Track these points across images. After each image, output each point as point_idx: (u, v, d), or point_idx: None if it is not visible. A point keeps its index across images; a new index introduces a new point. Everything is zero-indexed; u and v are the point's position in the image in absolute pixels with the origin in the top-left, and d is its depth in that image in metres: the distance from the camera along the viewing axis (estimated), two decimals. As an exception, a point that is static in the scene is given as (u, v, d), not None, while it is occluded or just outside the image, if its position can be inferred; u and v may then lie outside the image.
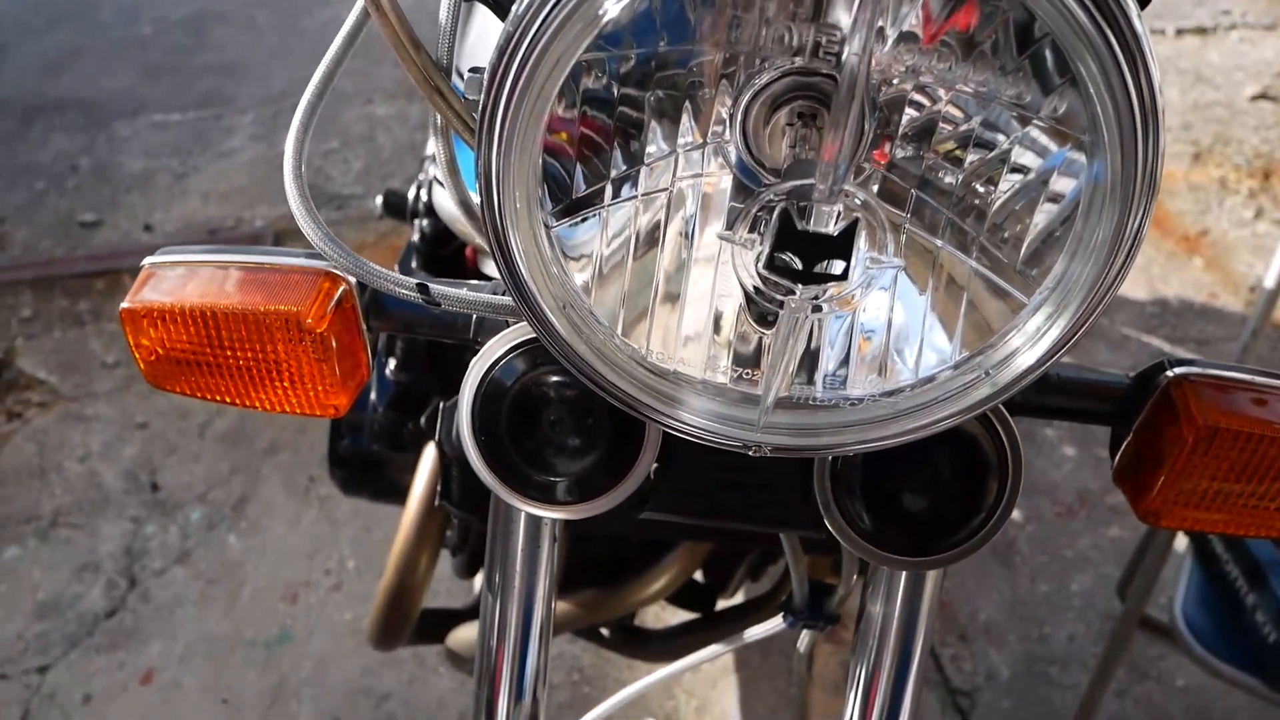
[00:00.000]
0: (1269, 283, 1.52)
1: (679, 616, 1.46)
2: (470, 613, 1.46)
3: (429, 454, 1.24)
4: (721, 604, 1.41)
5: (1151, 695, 1.97)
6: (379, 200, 1.83)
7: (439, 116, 0.58)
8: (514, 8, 0.43)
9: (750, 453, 0.51)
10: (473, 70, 0.49)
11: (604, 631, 1.47)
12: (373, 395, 1.37)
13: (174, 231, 3.22)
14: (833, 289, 0.46)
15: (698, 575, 1.43)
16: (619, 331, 0.50)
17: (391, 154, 3.57)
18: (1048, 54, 0.42)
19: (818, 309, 0.46)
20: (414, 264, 1.32)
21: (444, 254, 1.30)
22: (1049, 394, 0.70)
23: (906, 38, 0.43)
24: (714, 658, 0.95)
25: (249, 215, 3.28)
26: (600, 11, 0.41)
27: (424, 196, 1.33)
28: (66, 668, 2.03)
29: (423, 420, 1.22)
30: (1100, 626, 2.06)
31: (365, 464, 1.42)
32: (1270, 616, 1.24)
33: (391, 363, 1.27)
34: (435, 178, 1.13)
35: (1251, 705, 1.94)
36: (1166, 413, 0.66)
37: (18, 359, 2.75)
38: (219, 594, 2.17)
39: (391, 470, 1.42)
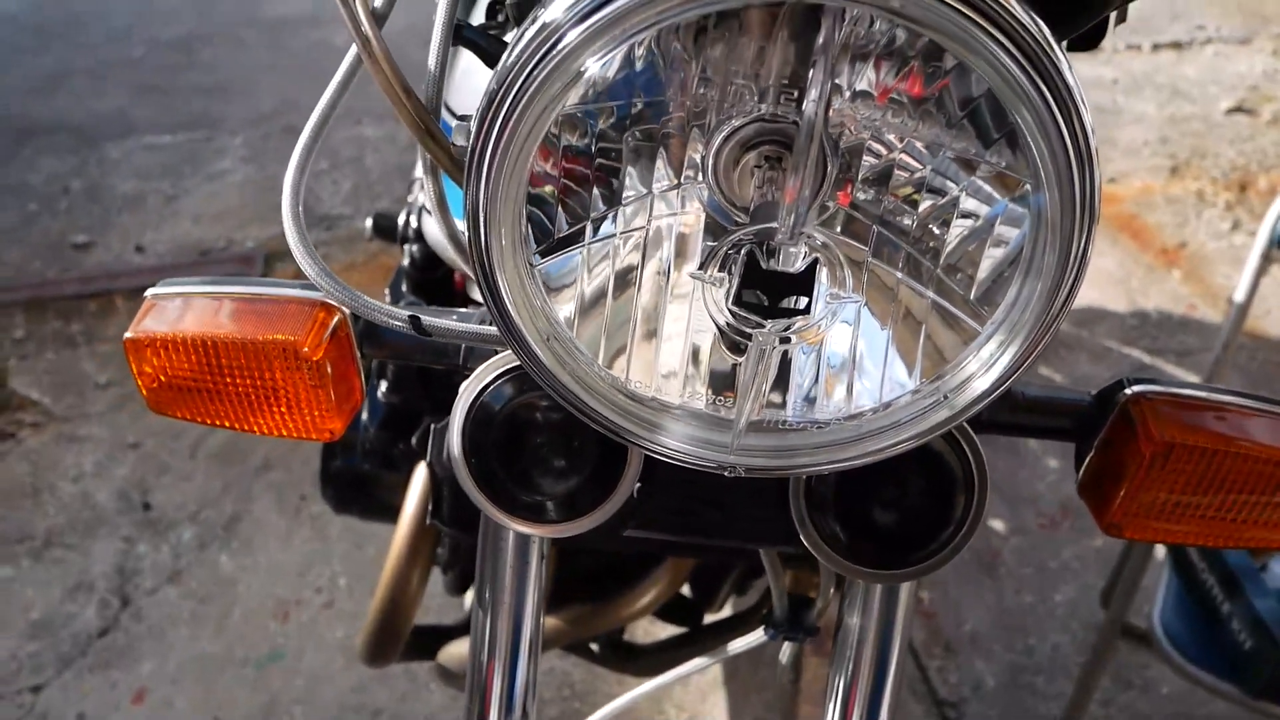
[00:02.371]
0: (1238, 296, 1.56)
1: (667, 631, 1.49)
2: (461, 629, 1.48)
3: (420, 473, 1.27)
4: (708, 618, 1.43)
5: (1136, 704, 2.00)
6: (369, 222, 1.86)
7: (429, 156, 0.61)
8: (501, 61, 0.46)
9: (726, 474, 0.55)
10: (460, 118, 0.52)
11: (593, 646, 1.50)
12: (364, 416, 1.40)
13: (165, 253, 3.24)
14: (798, 322, 0.50)
15: (685, 590, 1.46)
16: (600, 362, 0.53)
17: (380, 175, 3.61)
18: (986, 112, 0.45)
19: (785, 341, 0.50)
20: (404, 288, 1.35)
21: (433, 278, 1.33)
22: (1014, 412, 0.73)
23: (863, 94, 0.46)
24: (700, 670, 0.98)
25: (240, 236, 3.31)
26: (581, 69, 0.44)
27: (413, 223, 1.36)
28: (60, 687, 2.05)
29: (414, 440, 1.25)
30: (1084, 636, 2.09)
31: (357, 483, 1.44)
32: (1245, 624, 1.27)
33: (383, 385, 1.30)
34: (424, 206, 1.16)
35: (1234, 712, 1.97)
36: (1125, 429, 0.69)
37: (11, 379, 2.76)
38: (211, 613, 2.18)
39: (382, 489, 1.45)
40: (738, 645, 0.93)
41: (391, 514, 1.40)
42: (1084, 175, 0.46)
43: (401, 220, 1.42)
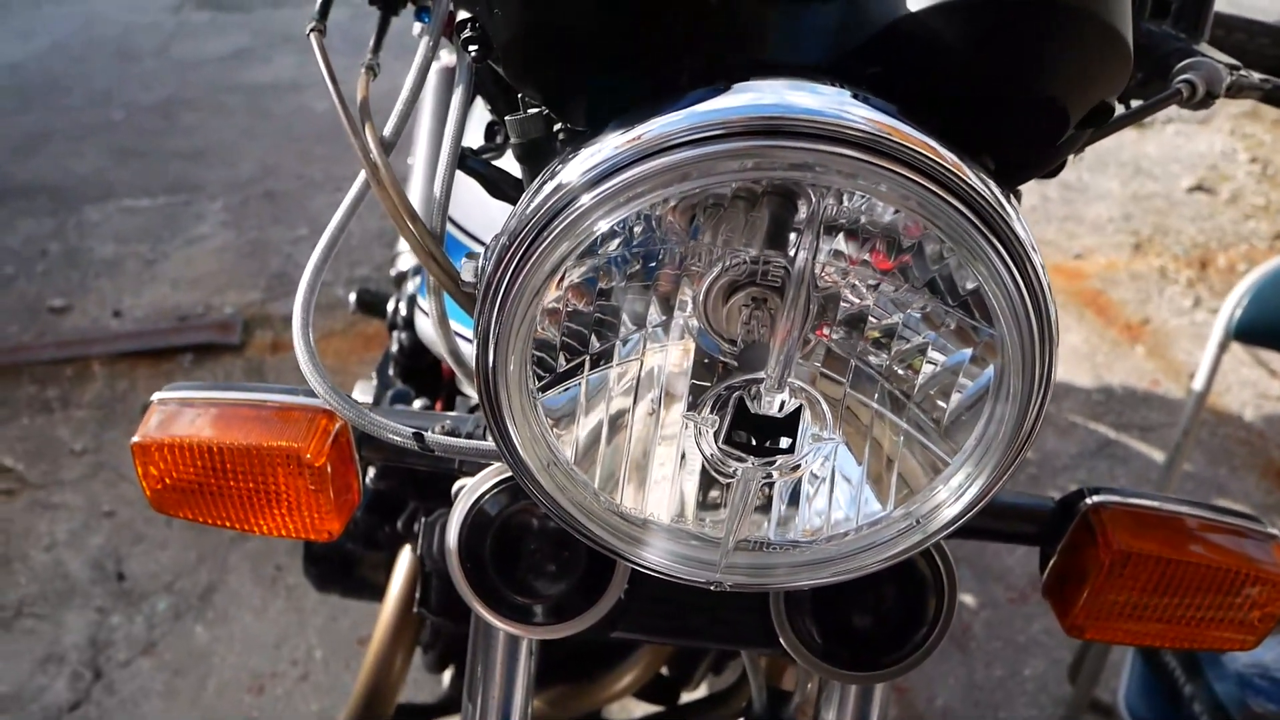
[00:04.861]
0: (1197, 385, 1.62)
1: (643, 709, 1.50)
2: (441, 709, 1.49)
3: (405, 557, 1.29)
4: (685, 697, 1.45)
5: (1104, 781, 2.03)
6: (352, 298, 1.90)
7: (432, 278, 0.65)
8: (516, 213, 0.51)
9: (712, 588, 0.58)
10: (469, 256, 0.56)
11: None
12: (349, 495, 1.42)
13: (143, 318, 3.25)
14: (780, 460, 0.54)
15: (663, 670, 1.48)
16: (596, 488, 0.57)
17: (360, 241, 3.64)
18: (946, 279, 0.50)
19: (768, 476, 0.54)
20: (391, 372, 1.38)
21: (421, 366, 1.36)
22: (981, 517, 0.76)
23: (838, 252, 0.51)
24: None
25: (218, 302, 3.33)
26: (594, 230, 0.49)
27: (403, 311, 1.39)
28: (29, 763, 2.03)
29: (399, 525, 1.27)
30: (1053, 711, 2.12)
31: (339, 562, 1.46)
32: (1206, 706, 1.31)
33: (370, 471, 1.33)
34: (416, 300, 1.20)
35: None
36: (1086, 536, 0.73)
37: (-17, 446, 2.75)
38: (185, 685, 2.17)
39: (365, 568, 1.46)
40: (716, 735, 0.96)
41: (373, 592, 1.42)
42: (1040, 314, 0.50)
43: (391, 307, 1.45)
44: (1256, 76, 0.73)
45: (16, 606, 2.33)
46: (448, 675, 1.59)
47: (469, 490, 0.69)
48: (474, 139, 0.78)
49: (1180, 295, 3.44)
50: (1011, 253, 0.48)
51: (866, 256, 0.50)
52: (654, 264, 0.52)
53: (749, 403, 0.52)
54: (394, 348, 1.39)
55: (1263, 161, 4.33)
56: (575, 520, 0.57)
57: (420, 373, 1.36)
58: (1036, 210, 3.97)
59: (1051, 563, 0.77)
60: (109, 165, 4.16)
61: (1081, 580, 0.74)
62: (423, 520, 0.95)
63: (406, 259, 1.66)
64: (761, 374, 0.51)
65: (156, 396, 0.78)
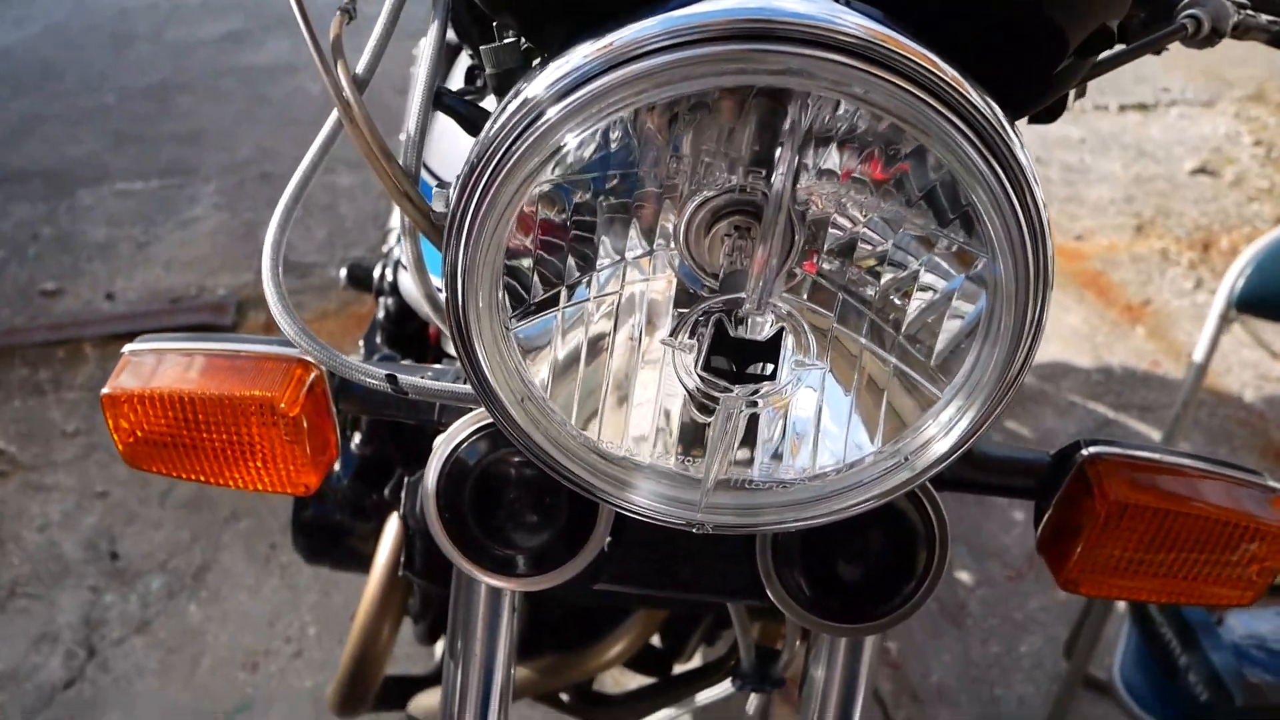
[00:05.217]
0: (1197, 356, 1.60)
1: (636, 681, 1.49)
2: (431, 679, 1.48)
3: (392, 524, 1.27)
4: (678, 668, 1.44)
5: (1102, 756, 2.01)
6: (343, 272, 1.88)
7: (407, 219, 0.63)
8: (483, 132, 0.49)
9: (694, 530, 0.56)
10: (439, 184, 0.54)
11: (563, 696, 1.50)
12: (337, 466, 1.40)
13: (136, 300, 3.23)
14: (765, 388, 0.52)
15: (655, 640, 1.46)
16: (574, 423, 0.55)
17: (354, 223, 3.62)
18: (943, 194, 0.48)
19: (752, 404, 0.52)
20: (378, 339, 1.36)
21: (407, 331, 1.35)
22: (975, 470, 0.75)
23: (828, 172, 0.49)
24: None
25: (212, 284, 3.31)
26: (559, 145, 0.47)
27: (388, 276, 1.38)
28: (22, 741, 2.02)
29: (386, 492, 1.26)
30: (1049, 687, 2.10)
31: (328, 533, 1.45)
32: (1201, 677, 1.29)
33: (356, 437, 1.31)
34: (399, 260, 1.18)
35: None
36: (1082, 489, 0.72)
37: (-24, 428, 2.74)
38: (179, 663, 2.16)
39: (354, 539, 1.45)
40: (706, 696, 0.94)
41: (363, 563, 1.41)
42: (1037, 248, 0.48)
43: (377, 273, 1.44)
44: (1264, 18, 0.70)
45: (10, 587, 2.32)
46: (439, 648, 1.58)
47: (446, 439, 0.67)
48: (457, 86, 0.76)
49: (1182, 277, 3.42)
50: (1013, 179, 0.46)
51: (860, 166, 0.47)
52: (632, 184, 0.50)
53: (729, 326, 0.50)
54: (380, 314, 1.37)
55: (1267, 145, 4.30)
56: (552, 460, 0.55)
57: (407, 338, 1.34)
58: (1036, 192, 3.94)
59: (1047, 516, 0.75)
60: (103, 149, 4.14)
61: (1077, 533, 0.72)
62: (406, 481, 0.93)
63: (393, 219, 1.64)
64: (741, 294, 0.49)
65: (128, 348, 0.76)
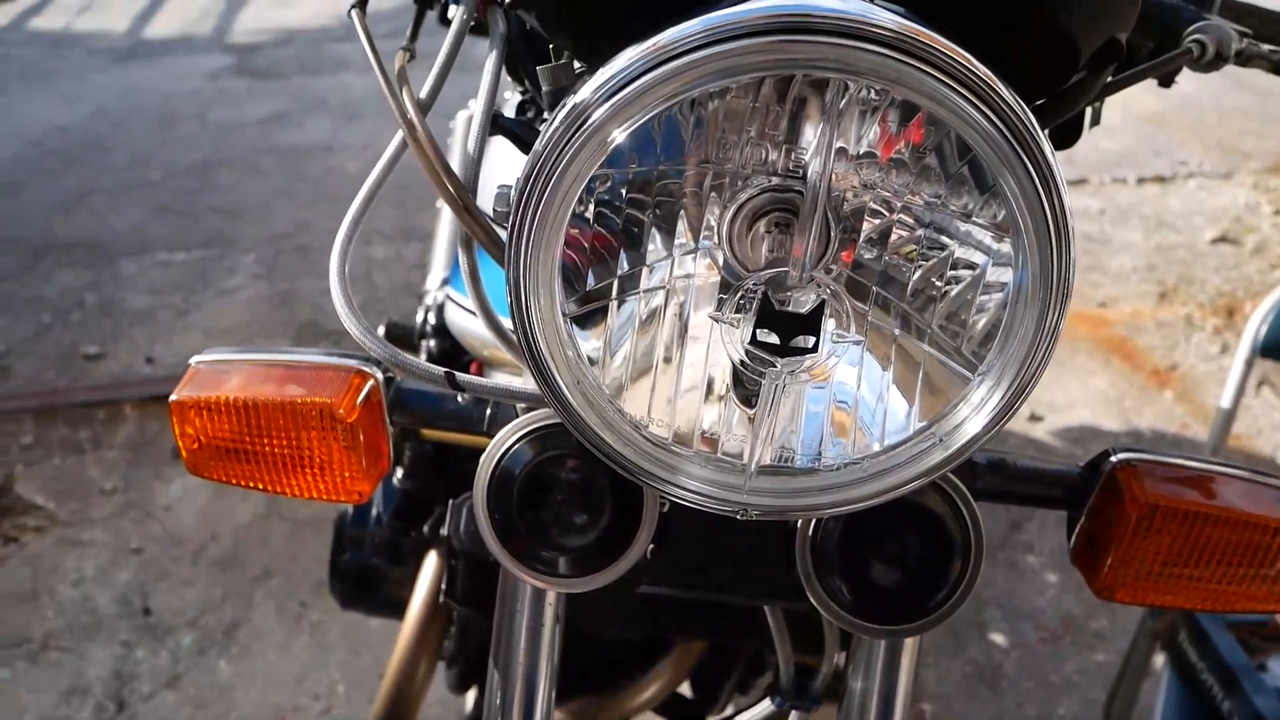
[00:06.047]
0: (1225, 403, 1.61)
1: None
2: (465, 726, 1.48)
3: (430, 562, 1.30)
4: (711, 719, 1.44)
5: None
6: (381, 330, 1.93)
7: (464, 231, 0.67)
8: (540, 138, 0.53)
9: (738, 516, 0.58)
10: (501, 186, 0.58)
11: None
12: (376, 509, 1.43)
13: (175, 364, 3.29)
14: (807, 360, 0.55)
15: (687, 691, 1.47)
16: (624, 406, 0.58)
17: (387, 292, 3.70)
18: (980, 165, 0.51)
19: (794, 375, 0.55)
20: (421, 381, 1.40)
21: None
22: (1009, 481, 0.77)
23: (866, 156, 0.52)
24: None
25: (249, 348, 3.37)
26: (609, 139, 0.51)
27: (431, 319, 1.42)
28: (51, 795, 2.02)
29: (425, 528, 1.28)
30: (1088, 751, 2.07)
31: (365, 577, 1.47)
32: (1245, 722, 1.28)
33: (399, 472, 1.34)
34: (448, 297, 1.23)
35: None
36: (1113, 495, 0.73)
37: (16, 485, 2.79)
38: (207, 719, 2.16)
39: (389, 584, 1.47)
40: (746, 717, 0.95)
41: (397, 609, 1.42)
42: (1060, 227, 0.51)
43: (420, 317, 1.48)
44: (1266, 47, 0.74)
45: (43, 640, 2.34)
46: (470, 696, 1.59)
47: (496, 442, 0.70)
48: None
49: (1207, 342, 3.42)
50: (1039, 170, 0.50)
51: (898, 143, 0.51)
52: (677, 177, 0.53)
53: (773, 299, 0.53)
54: (423, 357, 1.41)
55: (1288, 215, 4.33)
56: (604, 443, 0.58)
57: (450, 379, 1.38)
58: (1061, 262, 3.97)
59: (1079, 525, 0.76)
60: (146, 221, 4.26)
61: (1109, 541, 0.73)
62: (450, 503, 0.95)
63: (434, 278, 1.69)
64: (786, 268, 0.52)
65: (194, 359, 0.80)
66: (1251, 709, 1.27)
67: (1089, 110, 0.77)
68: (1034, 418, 3.03)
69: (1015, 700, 2.22)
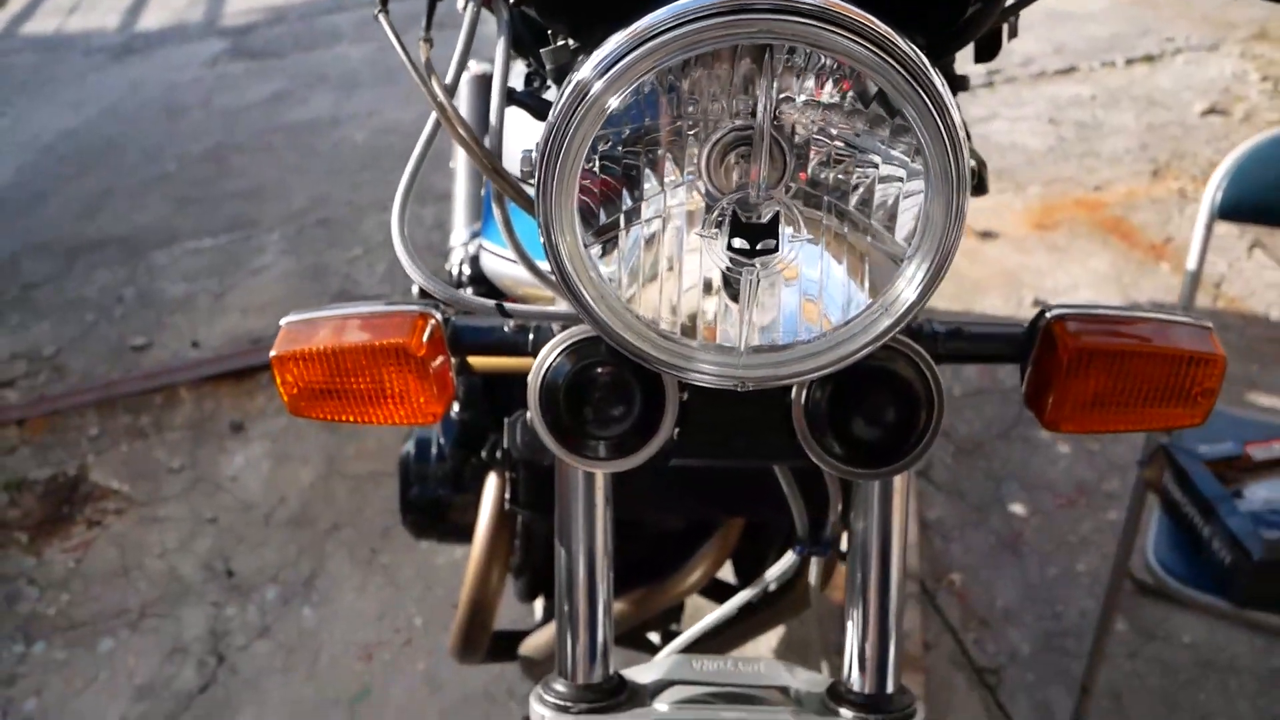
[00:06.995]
0: (1190, 265, 1.75)
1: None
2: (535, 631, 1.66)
3: (490, 484, 1.47)
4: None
5: (1161, 653, 2.15)
6: (415, 290, 2.09)
7: (497, 190, 0.82)
8: (552, 110, 0.68)
9: (738, 388, 0.74)
10: (525, 150, 0.73)
11: (654, 639, 1.68)
12: (435, 445, 1.60)
13: (220, 345, 3.48)
14: (773, 260, 0.71)
15: (729, 577, 1.65)
16: (640, 311, 0.74)
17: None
18: (892, 102, 0.66)
19: (766, 270, 0.71)
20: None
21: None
22: (966, 343, 0.93)
23: (810, 102, 0.68)
24: (742, 603, 1.17)
25: (287, 322, 3.55)
26: (606, 107, 0.66)
27: (466, 269, 1.58)
28: (169, 741, 2.24)
29: (483, 453, 1.45)
30: (1108, 600, 2.25)
31: (433, 508, 1.64)
32: (1223, 543, 1.44)
33: (455, 406, 1.51)
34: (482, 246, 1.39)
35: (1252, 653, 2.12)
36: (1050, 345, 0.89)
37: (91, 473, 2.99)
38: (300, 661, 2.37)
39: (455, 512, 1.65)
40: (773, 572, 1.12)
41: (465, 535, 1.60)
42: (953, 140, 0.66)
43: (455, 269, 1.64)
44: None
45: (140, 609, 2.55)
46: (539, 605, 1.77)
47: (542, 357, 0.86)
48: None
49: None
50: (932, 99, 0.65)
51: (832, 90, 0.66)
52: (662, 128, 0.69)
53: (740, 215, 0.69)
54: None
55: (1275, 80, 4.40)
56: (628, 343, 0.74)
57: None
58: (1054, 150, 4.08)
59: (1028, 374, 0.92)
60: (170, 212, 4.43)
61: (1050, 383, 0.89)
62: (505, 422, 1.12)
63: (456, 235, 1.86)
64: (747, 193, 0.69)
65: (284, 320, 0.96)
66: (1227, 531, 1.43)
67: (1005, 25, 0.91)
68: (1038, 304, 3.17)
69: (1037, 562, 2.39)
